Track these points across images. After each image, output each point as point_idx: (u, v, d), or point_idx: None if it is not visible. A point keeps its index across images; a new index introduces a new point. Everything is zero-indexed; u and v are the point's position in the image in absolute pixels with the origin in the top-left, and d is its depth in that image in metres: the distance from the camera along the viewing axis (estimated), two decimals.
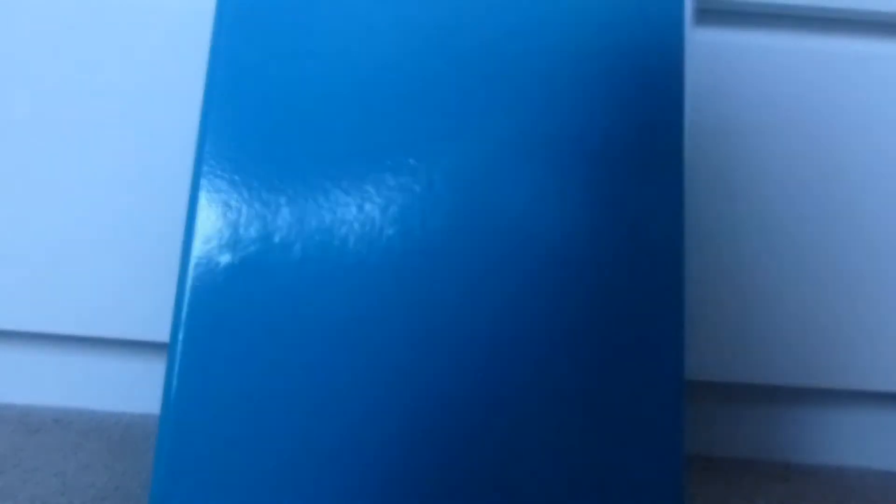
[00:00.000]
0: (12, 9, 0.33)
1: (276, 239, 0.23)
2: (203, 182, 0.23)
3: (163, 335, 0.33)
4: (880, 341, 0.34)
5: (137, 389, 0.35)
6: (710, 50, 0.34)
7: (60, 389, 0.35)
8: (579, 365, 0.23)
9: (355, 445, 0.22)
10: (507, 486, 0.22)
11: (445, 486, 0.22)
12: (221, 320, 0.23)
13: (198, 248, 0.23)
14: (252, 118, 0.24)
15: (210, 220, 0.23)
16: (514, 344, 0.23)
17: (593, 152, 0.24)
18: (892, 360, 0.34)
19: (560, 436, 0.23)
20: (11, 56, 0.34)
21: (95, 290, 0.34)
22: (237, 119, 0.24)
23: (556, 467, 0.23)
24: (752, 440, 0.35)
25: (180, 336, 0.23)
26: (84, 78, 0.34)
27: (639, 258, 0.24)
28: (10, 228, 0.34)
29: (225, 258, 0.23)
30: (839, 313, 0.34)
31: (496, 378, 0.23)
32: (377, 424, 0.23)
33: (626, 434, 0.23)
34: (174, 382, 0.22)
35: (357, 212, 0.24)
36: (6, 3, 0.33)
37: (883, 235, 0.34)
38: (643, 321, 0.24)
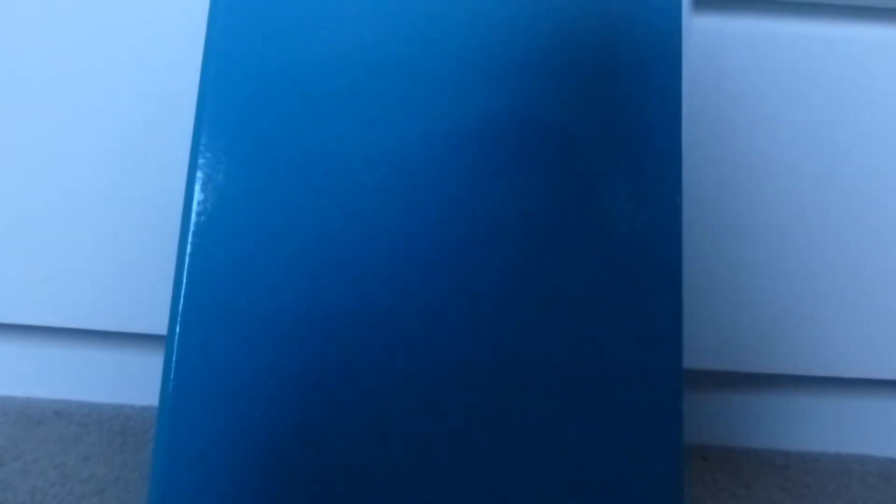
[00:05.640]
0: (10, 6, 0.33)
1: (273, 231, 0.23)
2: (199, 174, 0.23)
3: (163, 328, 0.33)
4: (880, 329, 0.34)
5: (138, 381, 0.35)
6: (709, 37, 0.34)
7: (61, 381, 0.35)
8: (577, 356, 0.23)
9: (353, 437, 0.22)
10: (504, 476, 0.23)
11: (442, 480, 0.22)
12: (218, 312, 0.23)
13: (194, 241, 0.23)
14: (247, 110, 0.24)
15: (206, 212, 0.23)
16: (511, 336, 0.23)
17: (589, 142, 0.24)
18: (893, 347, 0.34)
19: (557, 427, 0.23)
20: (9, 52, 0.33)
21: (96, 283, 0.34)
22: (232, 111, 0.24)
23: (554, 457, 0.23)
24: (752, 428, 0.35)
25: (177, 328, 0.23)
26: (78, 73, 0.33)
27: (636, 245, 0.24)
28: (9, 222, 0.34)
29: (221, 250, 0.23)
30: (840, 301, 0.34)
31: (493, 369, 0.23)
32: (376, 415, 0.23)
33: (624, 424, 0.23)
34: (171, 374, 0.22)
35: (354, 204, 0.23)
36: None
37: (882, 223, 0.34)
38: (641, 312, 0.23)
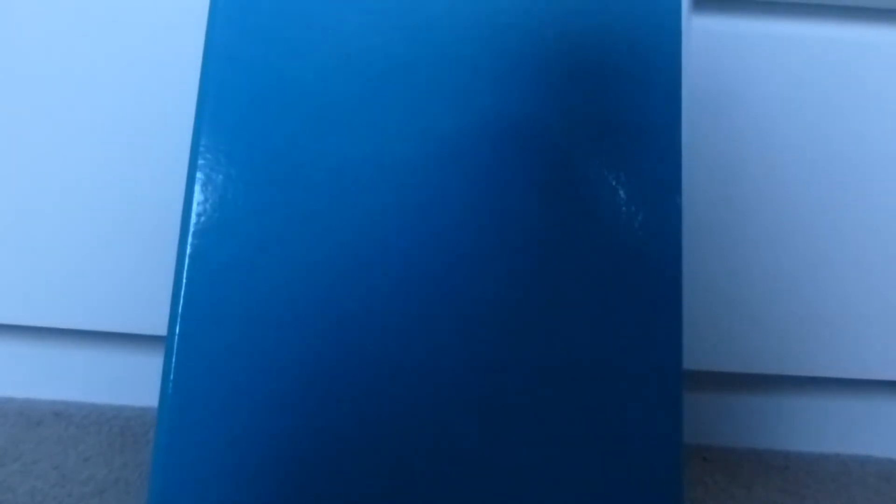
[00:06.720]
0: (10, 6, 0.33)
1: (273, 231, 0.23)
2: (199, 175, 0.23)
3: (163, 329, 0.33)
4: (880, 330, 0.34)
5: (137, 383, 0.35)
6: (709, 37, 0.34)
7: (60, 383, 0.35)
8: (577, 357, 0.23)
9: (352, 438, 0.22)
10: (505, 477, 0.23)
11: (443, 480, 0.22)
12: (218, 313, 0.23)
13: (193, 241, 0.23)
14: (247, 111, 0.24)
15: (205, 213, 0.23)
16: (512, 337, 0.23)
17: (589, 142, 0.24)
18: (893, 348, 0.34)
19: (558, 427, 0.23)
20: (9, 51, 0.33)
21: (96, 283, 0.34)
22: (232, 112, 0.24)
23: (554, 459, 0.23)
24: (752, 429, 0.35)
25: (177, 329, 0.23)
26: (78, 73, 0.33)
27: (636, 246, 0.24)
28: (9, 222, 0.34)
29: (220, 251, 0.23)
30: (839, 302, 0.34)
31: (494, 370, 0.23)
32: (375, 417, 0.23)
33: (624, 424, 0.23)
34: (171, 376, 0.22)
35: (353, 205, 0.23)
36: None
37: (882, 223, 0.34)
38: (641, 312, 0.23)
